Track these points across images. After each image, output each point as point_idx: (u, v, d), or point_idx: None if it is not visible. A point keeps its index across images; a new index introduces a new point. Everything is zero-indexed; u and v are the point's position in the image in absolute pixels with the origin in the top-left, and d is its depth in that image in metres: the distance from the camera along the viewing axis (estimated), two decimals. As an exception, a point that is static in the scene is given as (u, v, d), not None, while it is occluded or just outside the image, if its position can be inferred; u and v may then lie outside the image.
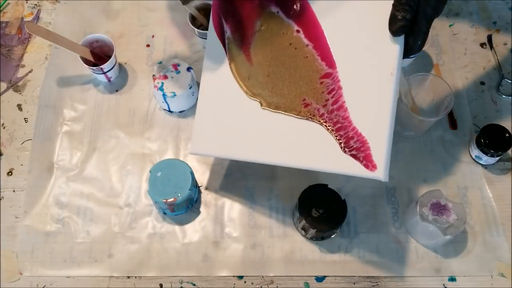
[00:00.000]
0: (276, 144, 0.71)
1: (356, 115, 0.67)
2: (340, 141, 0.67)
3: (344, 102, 0.68)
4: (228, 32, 0.76)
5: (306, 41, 0.71)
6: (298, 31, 0.72)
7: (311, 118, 0.69)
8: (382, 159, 0.65)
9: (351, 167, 0.66)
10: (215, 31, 0.76)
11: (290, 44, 0.72)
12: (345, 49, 0.69)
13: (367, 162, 0.65)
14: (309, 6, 0.72)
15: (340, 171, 0.68)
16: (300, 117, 0.70)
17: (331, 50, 0.70)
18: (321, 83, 0.69)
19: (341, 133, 0.67)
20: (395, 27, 0.63)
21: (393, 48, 0.65)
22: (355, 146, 0.66)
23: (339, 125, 0.68)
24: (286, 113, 0.71)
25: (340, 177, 0.84)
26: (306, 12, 0.72)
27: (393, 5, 0.63)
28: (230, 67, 0.75)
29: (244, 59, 0.75)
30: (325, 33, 0.70)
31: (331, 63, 0.69)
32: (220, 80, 0.75)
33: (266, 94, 0.72)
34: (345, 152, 0.67)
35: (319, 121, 0.69)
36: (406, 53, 0.66)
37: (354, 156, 0.66)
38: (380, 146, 0.65)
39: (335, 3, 0.71)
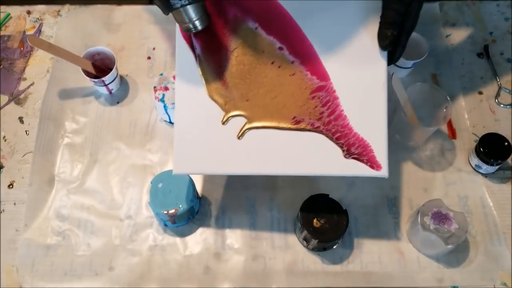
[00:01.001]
0: (270, 154, 0.69)
1: (355, 122, 0.68)
2: (342, 148, 0.68)
3: (342, 111, 0.68)
4: (198, 49, 0.72)
5: (291, 57, 0.70)
6: (281, 48, 0.71)
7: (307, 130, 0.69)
8: (384, 158, 0.67)
9: (357, 168, 0.67)
10: (185, 43, 0.72)
11: (272, 63, 0.70)
12: (336, 60, 0.70)
13: (372, 163, 0.67)
14: (293, 20, 0.71)
15: (346, 173, 0.68)
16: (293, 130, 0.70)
17: (322, 63, 0.70)
18: (313, 98, 0.69)
19: (342, 141, 0.68)
20: (385, 43, 0.68)
21: (380, 56, 0.70)
22: (357, 151, 0.67)
23: (339, 134, 0.68)
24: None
25: (342, 187, 0.85)
26: (290, 28, 0.71)
27: (381, 22, 0.68)
28: (205, 89, 0.71)
29: (218, 82, 0.71)
30: (314, 47, 0.70)
31: (323, 76, 0.69)
32: (196, 97, 0.71)
33: (248, 117, 0.70)
34: (347, 158, 0.67)
35: (316, 131, 0.69)
36: (387, 63, 0.70)
37: (358, 159, 0.68)
38: (381, 147, 0.67)
39: (319, 16, 0.72)
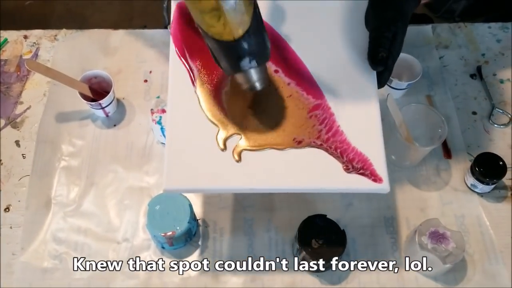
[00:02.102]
0: (268, 170, 0.67)
1: (353, 137, 0.68)
2: (343, 163, 0.67)
3: (338, 126, 0.69)
4: (195, 71, 0.72)
5: (287, 79, 0.71)
6: (276, 71, 0.72)
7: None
8: (384, 172, 0.66)
9: (359, 182, 0.66)
10: (181, 64, 0.72)
11: (269, 85, 0.70)
12: (328, 78, 0.71)
13: (374, 176, 0.66)
14: (286, 44, 0.73)
15: (348, 188, 0.67)
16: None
17: (316, 82, 0.71)
18: (310, 117, 0.69)
19: (342, 156, 0.67)
20: (377, 63, 0.70)
21: (370, 74, 0.72)
22: (357, 166, 0.67)
23: (339, 149, 0.67)
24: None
25: (339, 207, 0.85)
26: (284, 50, 0.73)
27: (372, 45, 0.70)
28: (202, 110, 0.70)
29: (215, 104, 0.70)
30: (307, 67, 0.71)
31: (319, 95, 0.70)
32: (191, 117, 0.69)
33: (246, 139, 0.68)
34: (348, 172, 0.66)
35: (315, 147, 0.68)
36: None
37: (359, 173, 0.66)
38: (380, 161, 0.67)
39: (310, 37, 0.74)
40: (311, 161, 0.67)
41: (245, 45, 0.59)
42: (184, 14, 0.74)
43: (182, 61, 0.72)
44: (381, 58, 0.69)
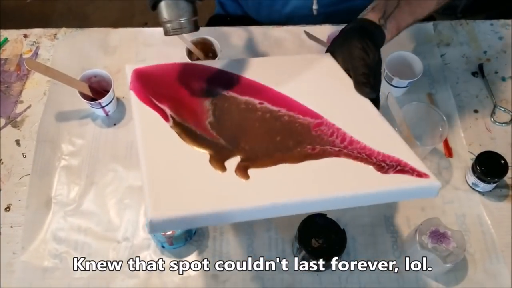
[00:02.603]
0: (285, 182, 0.55)
1: (372, 143, 0.62)
2: (374, 165, 0.58)
3: (351, 137, 0.63)
4: (168, 111, 0.65)
5: (275, 108, 0.68)
6: (261, 103, 0.69)
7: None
8: (425, 168, 0.58)
9: (403, 181, 0.56)
10: (146, 106, 0.65)
11: (260, 113, 0.67)
12: (319, 103, 0.69)
13: (416, 172, 0.57)
14: (260, 84, 0.72)
15: (390, 190, 0.56)
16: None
17: (308, 107, 0.68)
18: (316, 131, 0.64)
19: (372, 158, 0.59)
20: (367, 90, 0.71)
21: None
22: (392, 164, 0.58)
23: (363, 154, 0.60)
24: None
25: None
26: (261, 88, 0.72)
27: (356, 75, 0.72)
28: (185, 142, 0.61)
29: (201, 138, 0.62)
30: (294, 98, 0.70)
31: (315, 115, 0.67)
32: (170, 147, 0.59)
33: (249, 160, 0.59)
34: (385, 173, 0.57)
35: (335, 155, 0.60)
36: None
37: (398, 171, 0.57)
38: (414, 159, 0.59)
39: (284, 73, 0.75)
40: (335, 167, 0.58)
41: None
42: (142, 77, 0.71)
43: (149, 106, 0.66)
44: (368, 83, 0.70)
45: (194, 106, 0.68)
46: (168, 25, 0.62)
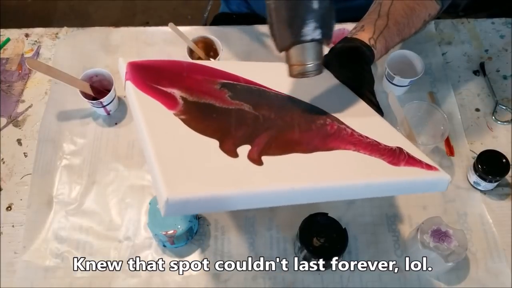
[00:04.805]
0: (298, 168, 0.55)
1: (381, 139, 0.63)
2: (384, 156, 0.59)
3: (360, 133, 0.64)
4: (178, 93, 0.64)
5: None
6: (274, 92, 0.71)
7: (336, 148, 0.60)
8: (433, 163, 0.59)
9: (412, 172, 0.57)
10: (147, 95, 0.62)
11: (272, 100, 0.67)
12: (328, 103, 0.70)
13: (425, 165, 0.58)
14: (263, 85, 0.72)
15: (401, 181, 0.57)
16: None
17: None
18: (328, 125, 0.64)
19: (379, 153, 0.60)
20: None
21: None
22: (402, 157, 0.59)
23: (370, 148, 0.60)
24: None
25: (340, 205, 0.85)
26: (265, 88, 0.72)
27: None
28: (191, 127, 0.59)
29: (211, 119, 0.61)
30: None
31: (323, 112, 0.68)
32: (177, 134, 0.57)
33: (262, 150, 0.57)
34: (395, 165, 0.58)
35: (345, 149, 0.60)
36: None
37: (408, 163, 0.58)
38: (421, 154, 0.61)
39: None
40: (347, 159, 0.58)
41: (314, 4, 0.54)
42: (139, 68, 0.70)
43: (149, 95, 0.63)
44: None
45: (207, 85, 0.67)
46: (296, 68, 0.61)
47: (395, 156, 0.59)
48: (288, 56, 0.60)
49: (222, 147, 0.56)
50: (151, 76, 0.68)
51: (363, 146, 0.60)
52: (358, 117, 0.68)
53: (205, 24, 1.21)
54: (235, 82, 0.71)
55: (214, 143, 0.57)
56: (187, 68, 0.73)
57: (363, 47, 0.76)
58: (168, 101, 0.62)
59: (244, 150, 0.56)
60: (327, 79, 0.76)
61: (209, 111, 0.63)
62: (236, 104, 0.64)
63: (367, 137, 0.63)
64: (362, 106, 0.71)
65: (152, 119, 0.58)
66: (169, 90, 0.64)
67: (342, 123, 0.65)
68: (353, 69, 0.74)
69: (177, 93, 0.64)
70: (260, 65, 0.82)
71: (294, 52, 0.58)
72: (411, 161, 0.59)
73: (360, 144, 0.61)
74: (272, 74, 0.76)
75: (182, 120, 0.59)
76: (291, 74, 0.63)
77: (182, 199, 0.46)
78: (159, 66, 0.72)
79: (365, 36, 0.77)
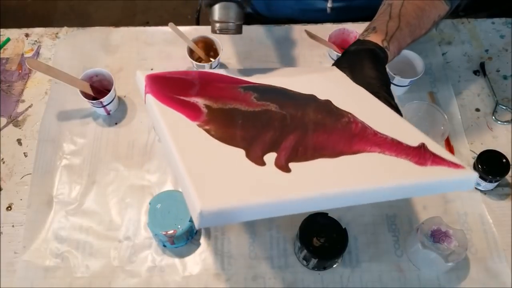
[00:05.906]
0: (327, 174, 0.55)
1: (402, 137, 0.62)
2: (410, 157, 0.59)
3: (384, 134, 0.63)
4: (201, 102, 0.65)
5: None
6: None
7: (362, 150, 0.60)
8: (459, 161, 0.59)
9: (440, 172, 0.57)
10: (169, 108, 0.63)
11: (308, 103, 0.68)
12: (348, 105, 0.69)
13: (452, 164, 0.58)
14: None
15: (430, 182, 0.56)
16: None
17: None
18: (351, 127, 0.64)
19: (404, 154, 0.60)
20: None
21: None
22: (428, 157, 0.59)
23: (394, 149, 0.60)
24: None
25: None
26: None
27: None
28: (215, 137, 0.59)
29: (235, 127, 0.61)
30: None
31: (346, 113, 0.68)
32: (202, 145, 0.58)
33: (289, 157, 0.57)
34: (422, 166, 0.58)
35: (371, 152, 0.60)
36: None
37: (435, 163, 0.58)
38: (445, 152, 0.60)
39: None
40: (374, 161, 0.58)
41: None
42: (158, 80, 0.70)
43: (170, 107, 0.64)
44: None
45: (231, 91, 0.69)
46: (217, 24, 0.71)
47: (421, 155, 0.59)
48: (212, 13, 0.70)
49: (248, 156, 0.56)
50: (171, 87, 0.68)
51: (387, 147, 0.60)
52: (379, 117, 0.67)
53: (197, 23, 1.21)
54: (257, 84, 0.71)
55: (241, 152, 0.57)
56: (207, 78, 0.74)
57: (377, 49, 0.76)
58: (191, 111, 0.63)
59: (270, 157, 0.56)
60: (343, 82, 0.76)
61: (234, 117, 0.63)
62: (263, 105, 0.66)
63: (391, 138, 0.62)
64: (381, 106, 0.70)
65: (177, 133, 0.58)
66: (192, 99, 0.65)
67: (369, 126, 0.65)
68: (369, 71, 0.74)
69: (200, 102, 0.65)
70: (277, 71, 0.81)
71: (217, 8, 0.68)
72: (437, 160, 0.58)
73: (385, 145, 0.61)
74: (290, 78, 0.77)
75: (207, 131, 0.60)
76: (213, 30, 0.72)
77: (215, 210, 0.47)
78: (177, 77, 0.72)
79: (378, 38, 0.78)
